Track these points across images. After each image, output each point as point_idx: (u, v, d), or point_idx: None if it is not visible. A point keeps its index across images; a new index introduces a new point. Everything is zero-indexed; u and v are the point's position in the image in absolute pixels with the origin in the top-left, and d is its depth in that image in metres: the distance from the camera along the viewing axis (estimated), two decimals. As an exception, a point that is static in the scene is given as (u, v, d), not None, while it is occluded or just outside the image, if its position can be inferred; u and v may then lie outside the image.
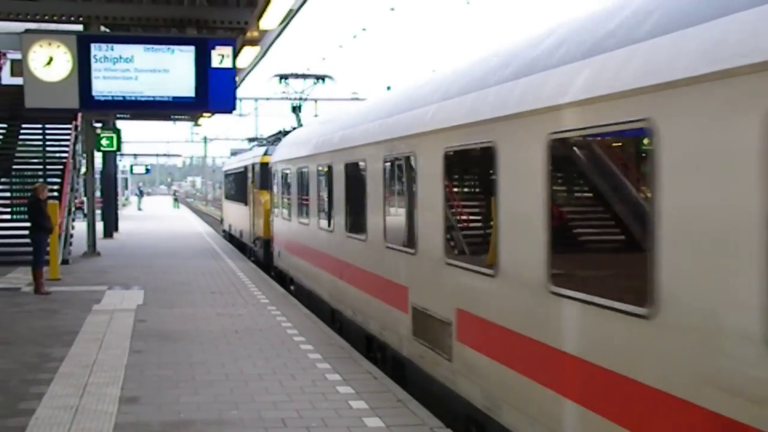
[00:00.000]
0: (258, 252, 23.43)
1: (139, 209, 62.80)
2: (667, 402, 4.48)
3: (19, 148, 25.70)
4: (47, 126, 25.39)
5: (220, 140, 79.15)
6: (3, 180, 24.22)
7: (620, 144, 5.27)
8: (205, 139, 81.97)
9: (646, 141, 4.69)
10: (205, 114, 25.14)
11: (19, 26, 17.94)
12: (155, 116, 31.96)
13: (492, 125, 6.74)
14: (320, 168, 14.09)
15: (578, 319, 5.43)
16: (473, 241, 7.71)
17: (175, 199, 76.82)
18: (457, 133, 7.56)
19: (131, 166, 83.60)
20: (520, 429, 6.31)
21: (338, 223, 12.73)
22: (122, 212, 46.30)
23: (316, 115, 43.93)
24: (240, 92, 37.01)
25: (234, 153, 41.73)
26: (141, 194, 72.59)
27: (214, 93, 14.85)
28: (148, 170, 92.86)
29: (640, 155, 4.90)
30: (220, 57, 14.78)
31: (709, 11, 4.32)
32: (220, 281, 17.82)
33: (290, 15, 16.40)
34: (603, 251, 5.69)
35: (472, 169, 7.86)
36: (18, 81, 18.20)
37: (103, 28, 17.62)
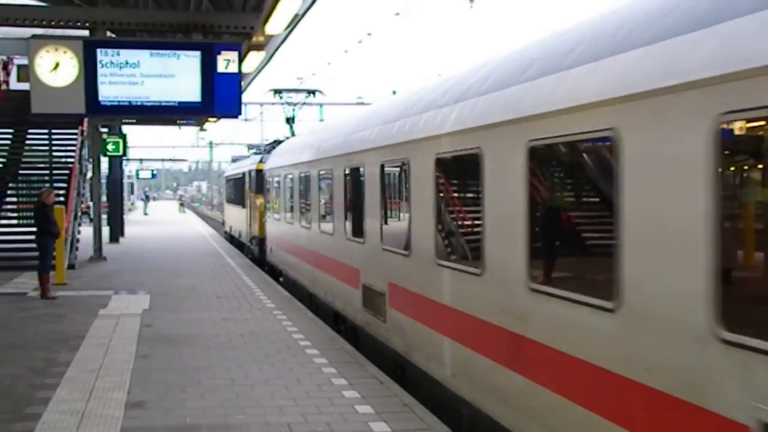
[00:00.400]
0: (254, 249, 25.63)
1: (145, 214, 62.93)
2: (484, 326, 7.24)
3: (25, 154, 25.75)
4: (53, 131, 25.44)
5: (226, 145, 79.23)
6: (10, 185, 24.28)
7: (467, 163, 7.60)
8: (210, 143, 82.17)
9: (477, 163, 7.23)
10: (210, 119, 25.20)
11: (26, 32, 18.00)
12: (161, 121, 32.04)
13: (406, 146, 9.31)
14: (301, 175, 16.60)
15: (448, 279, 8.16)
16: (398, 232, 10.02)
17: (181, 204, 76.93)
18: (388, 150, 10.13)
19: (137, 171, 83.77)
20: (422, 364, 9.01)
21: (314, 221, 15.28)
22: (128, 217, 46.39)
23: (321, 119, 44.05)
24: (245, 97, 37.10)
25: (234, 159, 43.81)
26: (147, 199, 72.69)
27: (220, 98, 14.88)
28: (154, 175, 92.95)
29: (477, 173, 7.26)
30: (226, 62, 14.81)
31: (511, 81, 6.77)
32: (226, 285, 17.83)
33: (296, 20, 16.45)
34: (460, 234, 8.35)
35: (396, 179, 10.27)
36: (25, 86, 18.25)
37: (109, 34, 17.67)
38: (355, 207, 12.05)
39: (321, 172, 14.47)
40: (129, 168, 74.99)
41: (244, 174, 29.12)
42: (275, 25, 14.78)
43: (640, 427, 4.84)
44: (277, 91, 27.55)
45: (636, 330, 4.90)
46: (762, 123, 4.01)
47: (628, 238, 4.95)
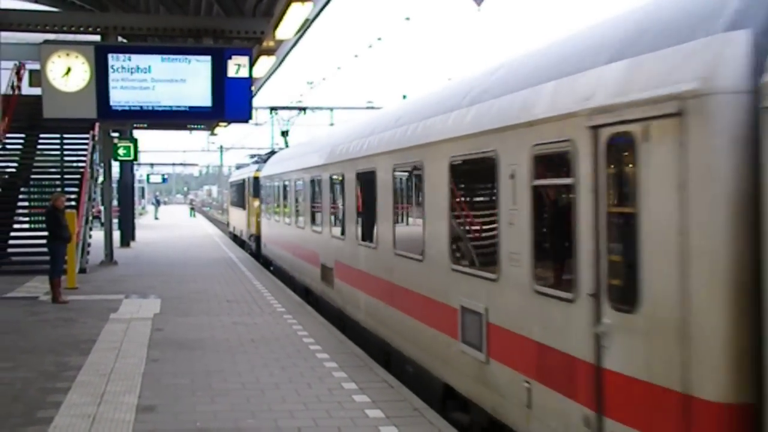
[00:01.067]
0: (252, 245, 30.02)
1: (156, 218, 63.03)
2: (377, 280, 11.29)
3: (37, 158, 25.88)
4: (65, 136, 25.57)
5: (236, 149, 79.26)
6: (22, 189, 24.38)
7: (368, 180, 11.76)
8: (221, 148, 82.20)
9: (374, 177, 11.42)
10: (221, 123, 25.29)
11: (38, 37, 18.09)
12: (172, 126, 32.12)
13: (347, 163, 13.20)
14: (284, 183, 20.99)
15: (362, 253, 12.28)
16: (339, 224, 14.12)
17: (192, 208, 77.10)
18: (338, 165, 13.98)
19: (148, 176, 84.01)
20: (351, 312, 13.18)
21: (292, 219, 19.88)
22: (139, 221, 46.49)
23: (331, 124, 44.20)
24: (256, 101, 37.34)
25: (238, 167, 47.79)
26: (158, 203, 72.86)
27: (231, 102, 14.91)
28: (164, 179, 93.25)
29: (373, 186, 11.49)
30: (237, 67, 14.84)
31: (388, 126, 11.12)
32: (236, 290, 17.86)
33: (306, 25, 16.45)
34: (366, 224, 12.24)
35: (338, 187, 14.14)
36: (36, 91, 18.33)
37: (120, 39, 17.74)
38: (316, 206, 16.47)
39: (296, 180, 18.97)
40: (140, 172, 75.14)
41: (244, 180, 33.51)
42: (286, 29, 14.82)
43: (433, 320, 8.97)
44: (273, 109, 34.09)
45: (429, 269, 9.14)
46: (460, 163, 8.19)
47: (427, 221, 9.16)
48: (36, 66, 21.55)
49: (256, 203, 28.63)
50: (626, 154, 5.32)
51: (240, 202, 35.40)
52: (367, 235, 11.96)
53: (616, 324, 5.30)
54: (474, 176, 8.19)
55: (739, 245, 4.50)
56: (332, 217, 14.64)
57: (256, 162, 33.26)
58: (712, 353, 4.50)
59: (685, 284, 4.67)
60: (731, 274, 4.49)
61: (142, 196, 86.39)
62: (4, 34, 18.84)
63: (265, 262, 25.51)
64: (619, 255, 5.38)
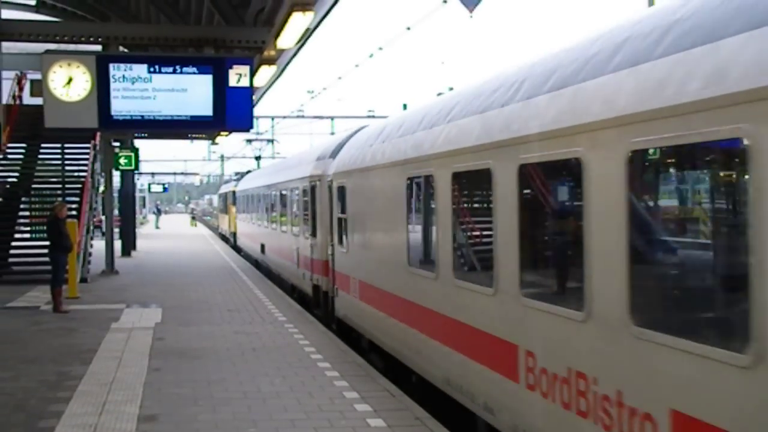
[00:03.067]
0: (231, 240, 41.43)
1: (157, 227, 62.97)
2: (277, 248, 23.45)
3: (38, 168, 25.89)
4: (66, 145, 25.57)
5: (237, 158, 79.18)
6: (23, 199, 24.39)
7: (273, 196, 24.79)
8: (222, 157, 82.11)
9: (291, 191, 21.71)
10: (222, 133, 25.33)
11: (40, 47, 18.13)
12: (173, 135, 32.16)
13: (264, 188, 26.67)
14: (249, 195, 31.99)
15: (274, 235, 24.11)
16: (269, 221, 25.27)
17: (193, 218, 77.11)
18: (261, 188, 27.70)
19: (149, 185, 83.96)
20: (272, 268, 24.87)
21: (254, 219, 30.08)
22: (140, 231, 46.49)
23: (332, 133, 44.42)
24: (257, 110, 37.52)
25: (226, 182, 60.55)
26: (159, 212, 72.78)
27: (232, 112, 14.92)
28: (165, 189, 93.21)
29: (277, 199, 24.20)
30: (238, 76, 14.86)
31: (267, 174, 27.82)
32: (237, 299, 17.85)
33: (307, 34, 16.48)
34: (272, 218, 24.73)
35: (261, 200, 27.51)
36: (38, 101, 18.35)
37: (121, 49, 17.78)
38: (259, 210, 27.75)
39: (257, 194, 28.90)
40: (141, 182, 75.09)
41: (227, 193, 45.75)
42: (287, 39, 14.83)
43: (289, 258, 20.74)
44: (249, 140, 47.39)
45: (289, 237, 20.76)
46: (288, 191, 21.23)
47: (288, 218, 21.20)
48: (37, 76, 21.54)
49: (234, 209, 40.34)
50: (314, 190, 16.96)
51: (224, 209, 48.41)
52: (275, 224, 23.23)
53: (313, 242, 16.98)
54: (291, 197, 19.88)
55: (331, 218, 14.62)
56: (267, 215, 25.51)
57: (237, 179, 45.09)
58: (325, 249, 15.73)
59: (326, 231, 15.45)
60: (330, 226, 14.65)
61: (143, 205, 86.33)
62: (5, 44, 18.89)
63: (238, 250, 36.30)
64: (313, 222, 17.01)
